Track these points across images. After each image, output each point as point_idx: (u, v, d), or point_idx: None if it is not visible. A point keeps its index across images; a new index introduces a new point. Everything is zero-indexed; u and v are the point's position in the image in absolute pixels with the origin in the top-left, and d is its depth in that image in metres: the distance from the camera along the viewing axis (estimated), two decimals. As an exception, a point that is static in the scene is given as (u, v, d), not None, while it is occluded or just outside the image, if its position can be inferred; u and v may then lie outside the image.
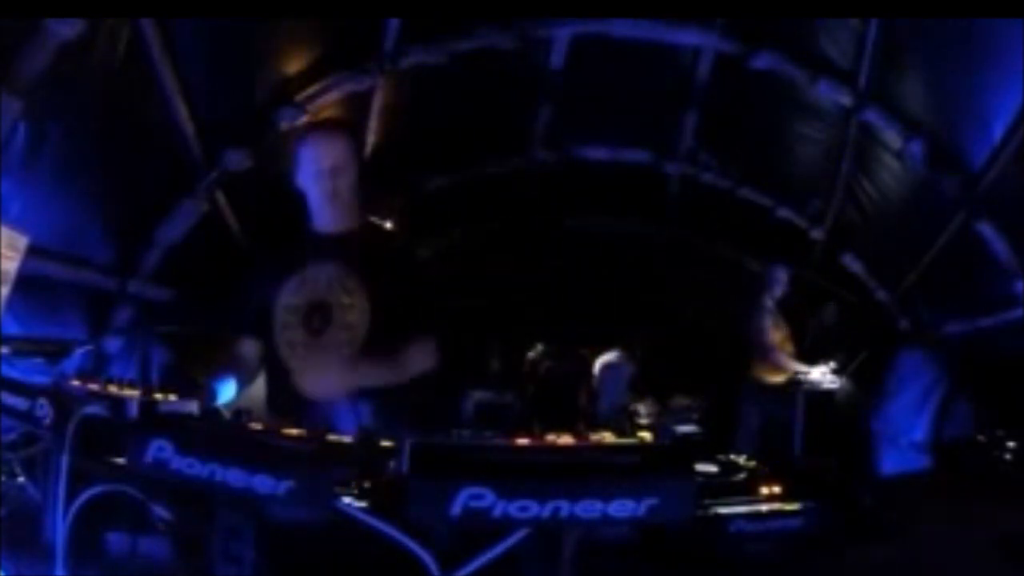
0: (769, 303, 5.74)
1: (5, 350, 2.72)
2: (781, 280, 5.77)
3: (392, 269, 2.56)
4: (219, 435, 1.78)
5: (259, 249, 2.99)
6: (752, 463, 2.45)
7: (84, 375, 2.19)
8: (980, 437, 4.45)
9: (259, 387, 2.67)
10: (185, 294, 4.23)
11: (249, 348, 2.60)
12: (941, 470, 4.59)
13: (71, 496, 1.84)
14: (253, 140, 4.18)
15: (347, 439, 1.79)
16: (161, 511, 1.86)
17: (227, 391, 2.46)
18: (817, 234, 5.83)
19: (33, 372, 2.17)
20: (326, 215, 2.57)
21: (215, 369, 2.54)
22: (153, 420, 1.78)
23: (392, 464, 1.67)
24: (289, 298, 2.52)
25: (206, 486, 1.66)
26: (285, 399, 2.47)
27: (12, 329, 3.01)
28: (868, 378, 5.73)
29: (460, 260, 6.36)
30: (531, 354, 7.39)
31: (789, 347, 5.81)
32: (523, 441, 1.66)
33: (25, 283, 2.85)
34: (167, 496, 1.84)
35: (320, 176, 2.52)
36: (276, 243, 2.77)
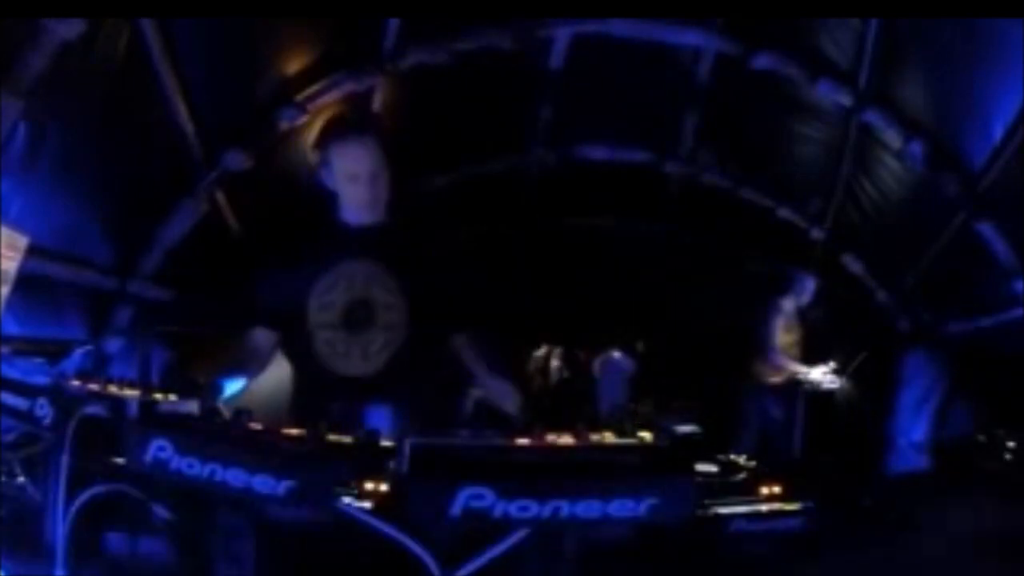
0: (788, 306, 5.82)
1: (5, 350, 2.72)
2: (809, 289, 5.89)
3: (428, 265, 2.57)
4: (219, 435, 1.79)
5: (281, 245, 2.96)
6: (752, 463, 2.46)
7: (84, 375, 2.19)
8: (980, 437, 4.45)
9: (261, 388, 2.67)
10: (185, 294, 4.23)
11: (262, 338, 2.59)
12: (941, 470, 4.59)
13: (71, 496, 1.85)
14: (253, 140, 4.17)
15: (347, 439, 1.80)
16: (161, 511, 1.86)
17: (234, 384, 2.46)
18: (817, 234, 5.82)
19: (33, 372, 2.17)
20: (363, 214, 2.59)
21: (223, 363, 2.54)
22: (153, 420, 1.78)
23: (392, 464, 1.67)
24: (324, 295, 2.51)
25: (206, 486, 1.66)
26: (320, 395, 2.46)
27: (12, 329, 3.00)
28: (868, 378, 5.73)
29: (460, 260, 6.33)
30: (537, 355, 7.40)
31: (795, 352, 5.85)
32: (523, 441, 1.66)
33: (25, 283, 2.85)
34: (167, 496, 1.84)
35: (356, 181, 2.55)
36: (302, 237, 2.75)
